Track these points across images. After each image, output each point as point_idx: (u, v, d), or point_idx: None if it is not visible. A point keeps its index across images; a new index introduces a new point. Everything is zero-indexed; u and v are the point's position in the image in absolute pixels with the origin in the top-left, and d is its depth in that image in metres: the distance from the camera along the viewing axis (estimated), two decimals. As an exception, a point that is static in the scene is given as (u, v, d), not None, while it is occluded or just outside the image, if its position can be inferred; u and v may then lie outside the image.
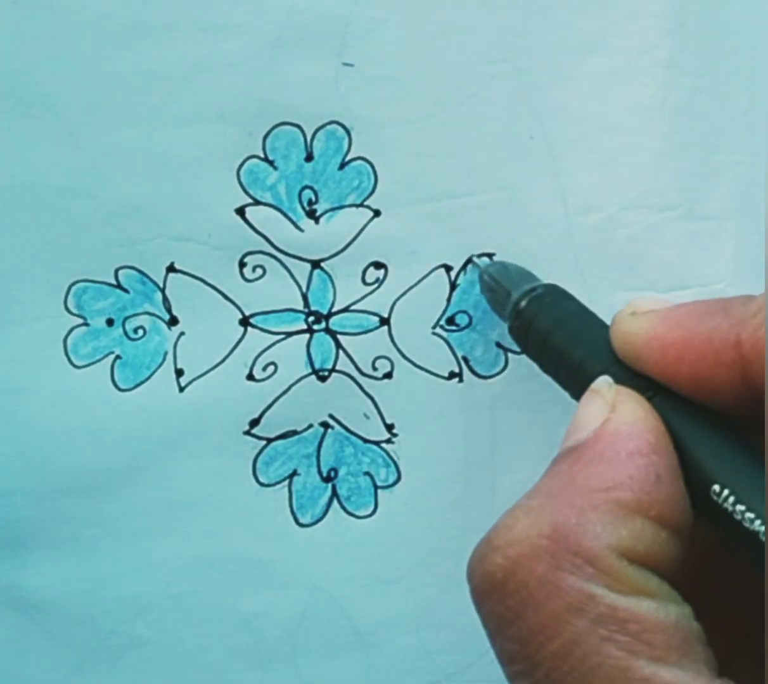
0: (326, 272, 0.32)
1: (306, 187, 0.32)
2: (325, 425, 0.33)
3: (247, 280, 0.32)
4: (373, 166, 0.32)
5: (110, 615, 0.32)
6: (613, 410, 0.22)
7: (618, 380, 0.24)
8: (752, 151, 0.32)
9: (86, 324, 0.32)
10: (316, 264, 0.32)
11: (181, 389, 0.32)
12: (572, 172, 0.32)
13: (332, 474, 0.33)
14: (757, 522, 0.20)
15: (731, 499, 0.20)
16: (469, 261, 0.32)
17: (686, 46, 0.32)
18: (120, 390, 0.32)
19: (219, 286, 0.32)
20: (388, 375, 0.32)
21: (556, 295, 0.29)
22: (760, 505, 0.20)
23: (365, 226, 0.32)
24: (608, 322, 0.25)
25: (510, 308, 0.29)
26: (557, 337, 0.26)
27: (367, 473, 0.33)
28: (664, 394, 0.23)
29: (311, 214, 0.32)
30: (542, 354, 0.27)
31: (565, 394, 0.32)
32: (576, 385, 0.25)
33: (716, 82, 0.32)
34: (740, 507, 0.20)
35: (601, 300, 0.32)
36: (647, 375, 0.23)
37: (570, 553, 0.20)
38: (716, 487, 0.21)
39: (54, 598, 0.32)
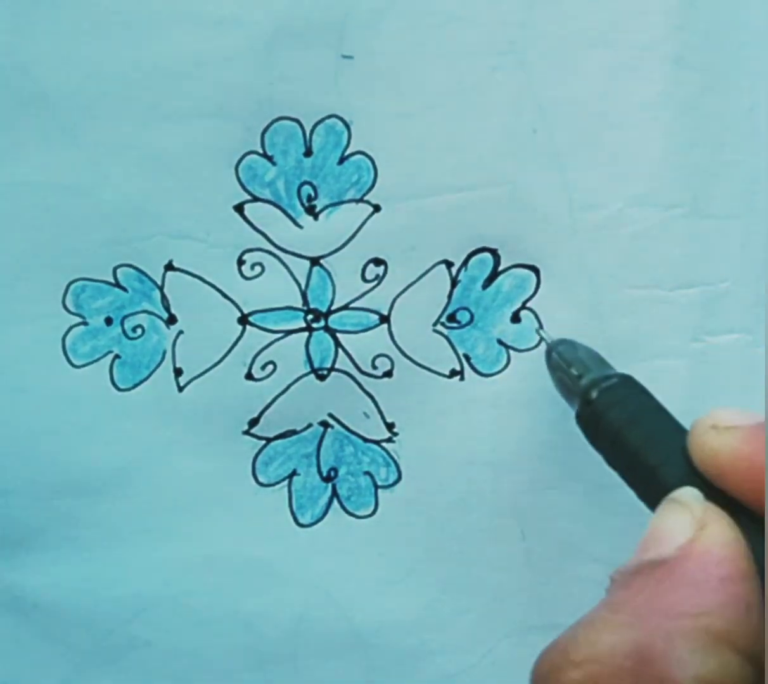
0: (325, 269, 0.32)
1: (305, 182, 0.32)
2: (324, 424, 0.32)
3: (245, 278, 0.32)
4: (372, 161, 0.31)
5: (110, 615, 0.32)
6: (702, 528, 0.21)
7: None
8: (759, 150, 0.32)
9: (85, 323, 0.32)
10: (315, 261, 0.32)
11: (180, 388, 0.32)
12: (576, 167, 0.31)
13: (332, 474, 0.33)
14: None
15: None
16: (540, 331, 0.32)
17: (694, 42, 0.31)
18: (119, 389, 0.32)
19: (217, 284, 0.32)
20: (388, 373, 0.32)
21: (630, 388, 0.27)
22: None
23: (365, 221, 0.32)
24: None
25: (579, 395, 0.28)
26: (631, 436, 0.25)
27: (367, 473, 0.33)
28: (745, 514, 0.22)
29: (310, 211, 0.32)
30: (613, 450, 0.26)
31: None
32: (650, 491, 0.24)
33: (723, 79, 0.31)
34: None
35: (605, 298, 0.32)
36: (728, 492, 0.22)
37: (655, 679, 0.19)
38: None
39: (53, 598, 0.32)
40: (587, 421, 0.28)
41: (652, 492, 0.24)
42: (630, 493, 0.25)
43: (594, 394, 0.27)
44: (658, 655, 0.19)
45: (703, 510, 0.22)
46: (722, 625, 0.20)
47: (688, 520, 0.22)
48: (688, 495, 0.23)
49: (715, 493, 0.22)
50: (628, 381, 0.28)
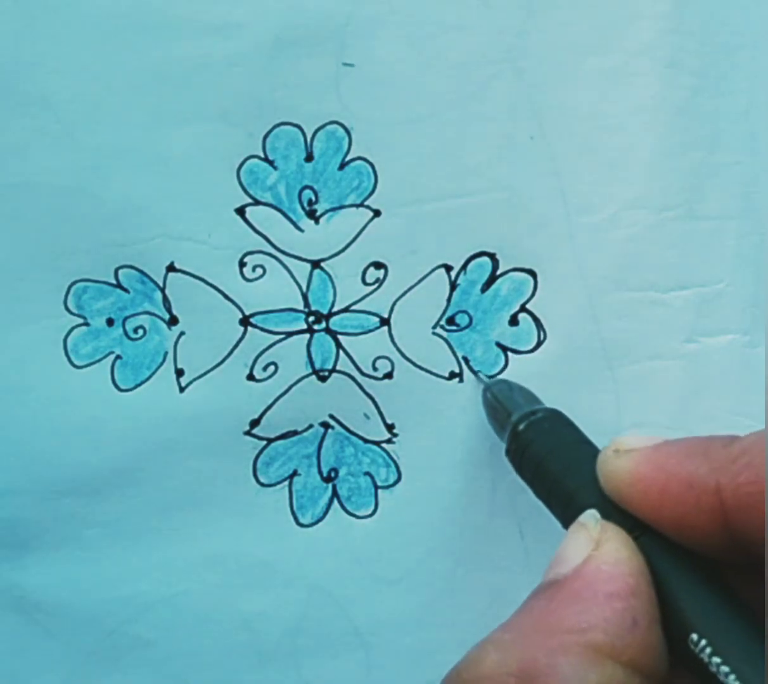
0: (326, 272, 0.32)
1: (306, 187, 0.32)
2: (325, 425, 0.33)
3: (247, 280, 0.32)
4: (373, 166, 0.32)
5: (110, 615, 0.32)
6: (596, 547, 0.22)
7: (606, 516, 0.23)
8: (752, 151, 0.32)
9: (86, 324, 0.32)
10: (316, 264, 0.32)
11: (182, 389, 0.32)
12: (572, 172, 0.32)
13: (332, 474, 0.33)
14: (732, 677, 0.19)
15: (708, 650, 0.20)
16: (470, 367, 0.32)
17: (686, 46, 0.32)
18: (120, 390, 0.32)
19: (219, 286, 0.32)
20: (389, 375, 0.32)
21: (555, 421, 0.28)
22: (737, 660, 0.19)
23: (365, 226, 0.32)
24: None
25: (508, 430, 0.29)
26: (551, 465, 0.26)
27: (367, 473, 0.33)
28: (650, 535, 0.22)
29: (311, 214, 0.32)
30: (535, 480, 0.27)
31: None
32: (566, 516, 0.24)
33: (716, 82, 0.32)
34: (716, 659, 0.19)
35: (601, 300, 0.32)
36: (632, 513, 0.23)
37: None
38: (694, 636, 0.20)
39: (54, 598, 0.32)
40: (514, 454, 0.28)
41: (569, 518, 0.24)
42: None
43: (521, 427, 0.28)
44: (541, 672, 0.19)
45: (598, 529, 0.22)
46: (605, 639, 0.20)
47: (585, 541, 0.22)
48: (587, 516, 0.23)
49: (623, 515, 0.23)
50: (554, 415, 0.28)
